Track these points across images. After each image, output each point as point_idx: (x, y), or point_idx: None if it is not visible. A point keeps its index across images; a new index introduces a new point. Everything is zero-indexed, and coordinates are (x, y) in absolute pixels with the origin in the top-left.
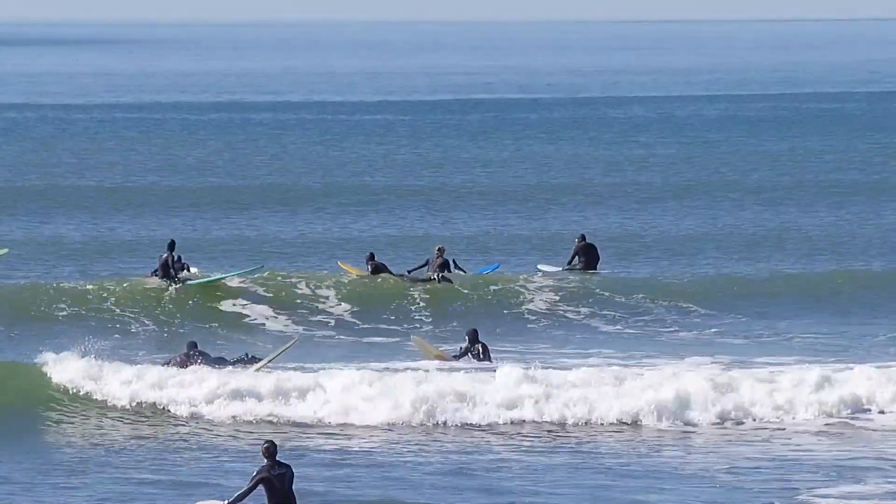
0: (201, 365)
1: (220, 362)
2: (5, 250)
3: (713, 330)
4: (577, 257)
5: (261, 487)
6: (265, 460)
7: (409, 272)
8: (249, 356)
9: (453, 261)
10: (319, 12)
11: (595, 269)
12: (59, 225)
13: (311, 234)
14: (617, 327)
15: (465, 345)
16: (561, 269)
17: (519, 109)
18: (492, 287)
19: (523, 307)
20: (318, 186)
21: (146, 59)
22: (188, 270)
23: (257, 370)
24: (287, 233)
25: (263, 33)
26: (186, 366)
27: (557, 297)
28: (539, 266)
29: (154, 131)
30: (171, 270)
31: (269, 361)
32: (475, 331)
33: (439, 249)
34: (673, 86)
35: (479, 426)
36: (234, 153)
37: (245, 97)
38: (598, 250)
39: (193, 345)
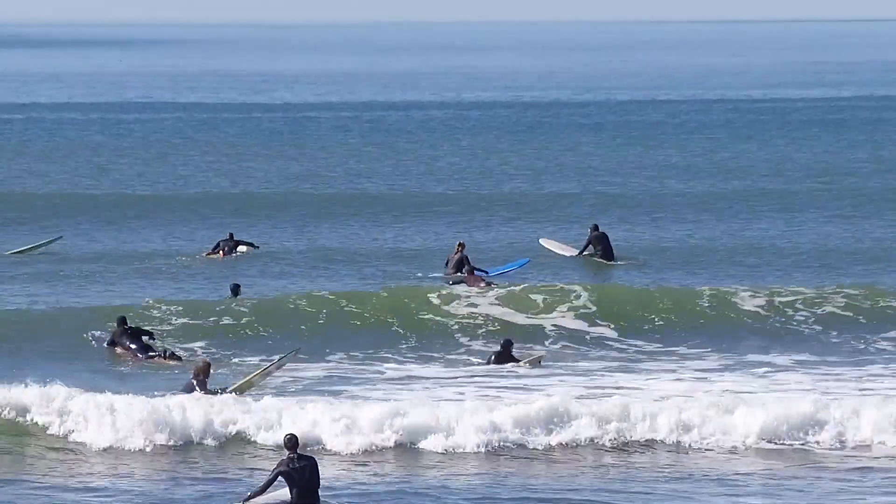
0: (128, 344)
1: (143, 351)
2: (55, 238)
3: None
4: (590, 246)
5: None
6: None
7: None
8: (168, 353)
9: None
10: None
11: (612, 259)
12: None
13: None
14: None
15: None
16: (575, 254)
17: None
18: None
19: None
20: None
21: (213, 58)
22: (241, 247)
23: (254, 377)
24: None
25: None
26: (114, 344)
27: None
28: (541, 240)
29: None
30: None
31: (261, 374)
32: (510, 341)
33: (459, 245)
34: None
35: None
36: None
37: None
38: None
39: (123, 320)
